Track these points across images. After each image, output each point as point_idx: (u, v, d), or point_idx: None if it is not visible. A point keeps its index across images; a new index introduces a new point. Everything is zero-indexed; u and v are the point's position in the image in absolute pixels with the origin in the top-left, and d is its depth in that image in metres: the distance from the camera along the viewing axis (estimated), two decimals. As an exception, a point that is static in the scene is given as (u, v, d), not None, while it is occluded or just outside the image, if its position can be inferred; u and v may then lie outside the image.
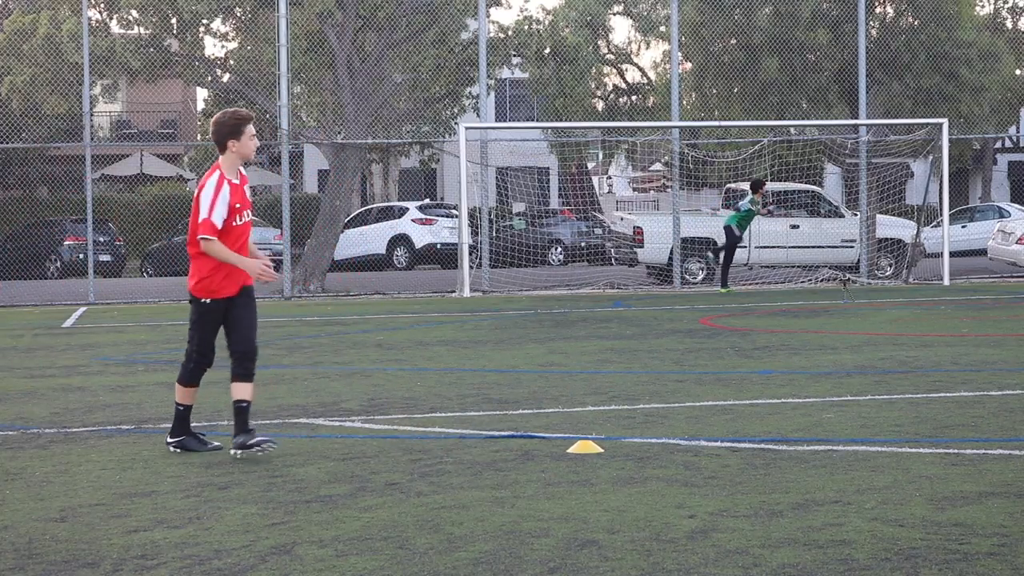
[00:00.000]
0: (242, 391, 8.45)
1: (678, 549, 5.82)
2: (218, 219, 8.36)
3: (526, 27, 29.90)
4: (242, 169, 8.66)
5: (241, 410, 8.43)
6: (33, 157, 43.12)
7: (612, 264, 31.64)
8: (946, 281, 27.12)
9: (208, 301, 8.55)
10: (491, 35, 29.34)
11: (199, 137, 60.55)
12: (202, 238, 8.34)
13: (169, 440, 8.74)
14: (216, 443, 8.76)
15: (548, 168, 51.44)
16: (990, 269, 31.51)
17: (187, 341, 8.79)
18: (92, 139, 28.61)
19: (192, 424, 9.85)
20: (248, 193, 8.64)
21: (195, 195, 8.50)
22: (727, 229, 25.46)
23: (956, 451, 8.05)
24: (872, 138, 28.92)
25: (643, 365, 13.28)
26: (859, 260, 28.73)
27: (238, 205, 8.46)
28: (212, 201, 8.36)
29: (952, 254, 28.34)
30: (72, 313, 23.53)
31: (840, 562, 5.55)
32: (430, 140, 39.03)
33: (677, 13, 28.55)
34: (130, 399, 11.34)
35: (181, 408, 8.74)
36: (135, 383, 12.53)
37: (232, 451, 8.41)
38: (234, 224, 8.44)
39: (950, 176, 29.66)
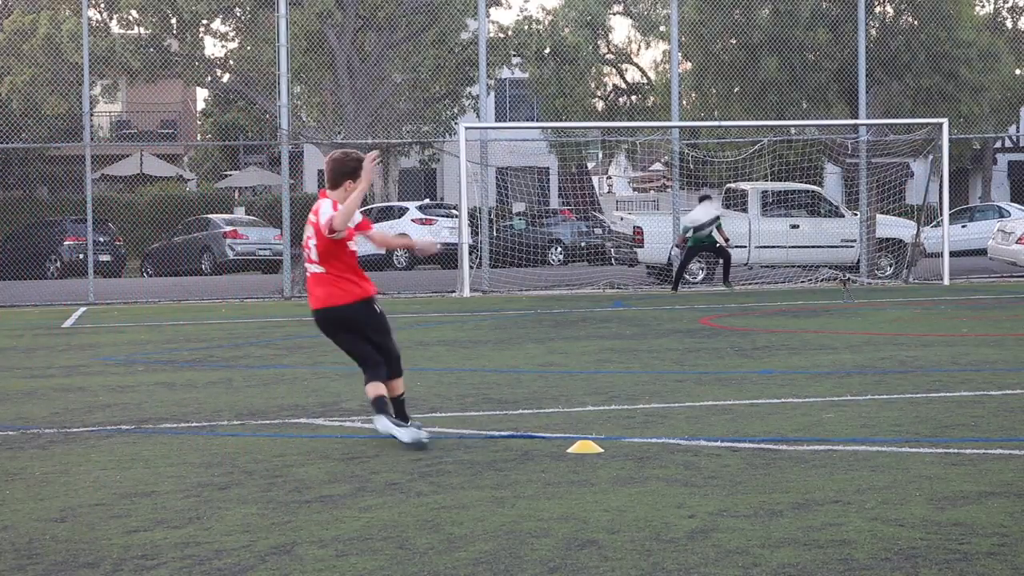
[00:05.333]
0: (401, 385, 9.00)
1: (678, 549, 5.82)
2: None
3: (526, 27, 29.93)
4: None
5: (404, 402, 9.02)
6: (33, 157, 43.14)
7: (612, 264, 31.63)
8: (946, 281, 27.12)
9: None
10: (491, 35, 29.35)
11: (199, 137, 60.60)
12: (370, 234, 8.91)
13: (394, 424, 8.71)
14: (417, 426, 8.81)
15: (548, 168, 51.44)
16: (990, 269, 31.51)
17: (392, 341, 8.95)
18: (92, 139, 28.62)
19: (191, 424, 9.87)
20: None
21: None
22: None
23: (956, 451, 8.05)
24: (872, 138, 28.92)
25: (643, 365, 13.27)
26: (859, 260, 28.73)
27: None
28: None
29: (952, 254, 28.33)
30: (72, 313, 23.53)
31: (840, 562, 5.55)
32: (430, 140, 39.05)
33: (677, 13, 28.55)
34: (130, 399, 11.34)
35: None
36: (135, 383, 12.53)
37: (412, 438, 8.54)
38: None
39: (950, 176, 29.65)
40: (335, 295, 8.73)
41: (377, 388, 8.70)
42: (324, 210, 8.66)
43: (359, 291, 8.76)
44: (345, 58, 28.07)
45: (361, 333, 8.82)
